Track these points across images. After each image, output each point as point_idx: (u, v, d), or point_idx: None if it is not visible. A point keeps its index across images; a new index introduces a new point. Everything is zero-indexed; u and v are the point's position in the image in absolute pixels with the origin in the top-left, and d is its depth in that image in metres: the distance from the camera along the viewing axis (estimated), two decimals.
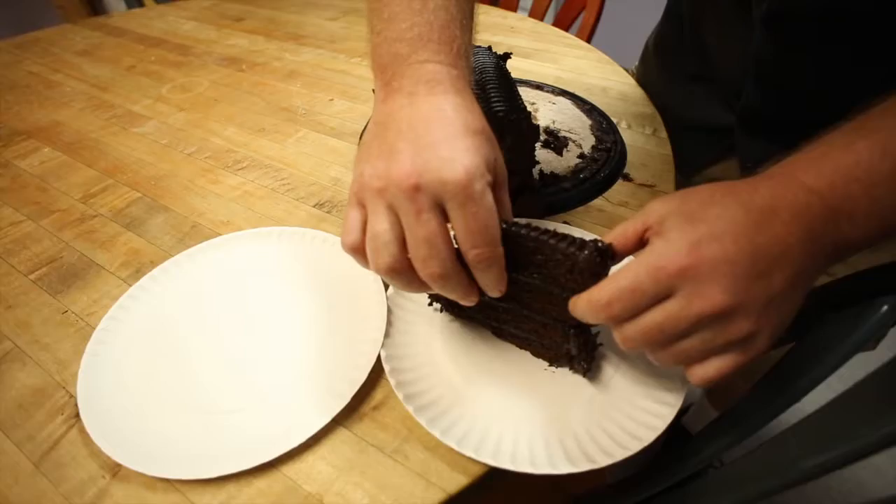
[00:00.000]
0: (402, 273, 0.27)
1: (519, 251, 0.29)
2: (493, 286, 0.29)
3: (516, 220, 0.30)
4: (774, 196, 0.25)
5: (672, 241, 0.25)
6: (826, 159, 0.26)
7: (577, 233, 0.41)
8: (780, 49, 0.41)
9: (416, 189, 0.25)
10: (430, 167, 0.26)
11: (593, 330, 0.33)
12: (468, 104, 0.29)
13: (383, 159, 0.27)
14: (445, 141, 0.26)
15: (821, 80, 0.41)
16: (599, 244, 0.28)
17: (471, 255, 0.27)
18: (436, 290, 0.28)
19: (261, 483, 0.30)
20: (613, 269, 0.28)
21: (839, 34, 0.38)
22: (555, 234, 0.29)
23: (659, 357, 0.27)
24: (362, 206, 0.28)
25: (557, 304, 0.30)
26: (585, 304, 0.27)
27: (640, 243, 0.28)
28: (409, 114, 0.28)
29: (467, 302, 0.29)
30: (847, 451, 0.22)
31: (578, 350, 0.32)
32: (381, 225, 0.27)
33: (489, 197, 0.26)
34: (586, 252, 0.27)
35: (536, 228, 0.29)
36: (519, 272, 0.30)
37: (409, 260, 0.27)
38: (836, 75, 0.40)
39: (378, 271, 0.28)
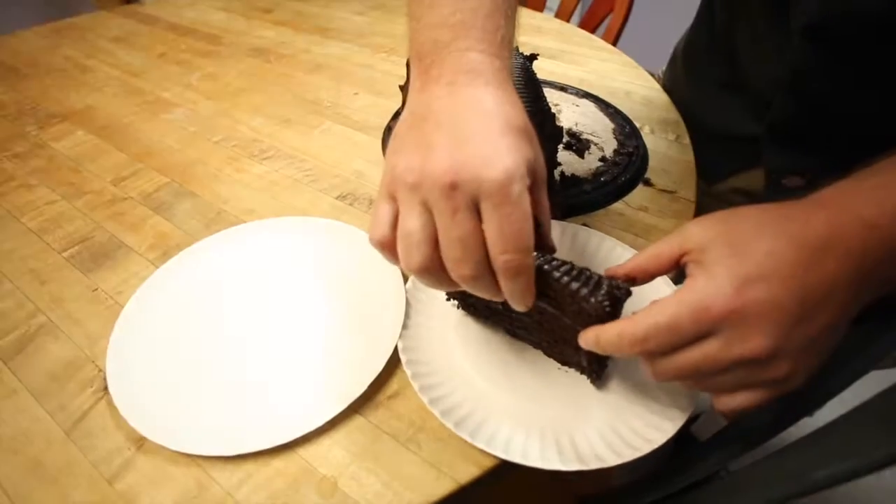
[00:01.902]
0: (434, 273, 0.26)
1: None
2: (519, 297, 0.27)
3: (534, 253, 0.29)
4: (829, 230, 0.24)
5: (717, 278, 0.24)
6: (889, 190, 0.24)
7: (603, 243, 0.41)
8: (818, 60, 0.40)
9: (453, 187, 0.24)
10: (469, 165, 0.24)
11: None
12: (510, 98, 0.27)
13: (419, 153, 0.25)
14: (485, 138, 0.25)
15: (859, 93, 0.40)
16: (616, 290, 0.26)
17: (500, 260, 0.25)
18: (465, 289, 0.27)
19: (278, 463, 0.31)
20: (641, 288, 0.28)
21: (881, 46, 0.37)
22: (569, 270, 0.28)
23: (688, 385, 0.27)
24: (394, 199, 0.27)
25: (568, 330, 0.30)
26: (615, 338, 0.26)
27: (674, 266, 0.27)
28: (448, 106, 0.26)
29: (496, 299, 0.28)
30: (860, 464, 0.22)
31: (589, 363, 0.32)
32: (413, 223, 0.25)
33: (526, 201, 0.25)
34: (596, 299, 0.26)
35: (551, 261, 0.28)
36: None
37: (440, 259, 0.26)
38: (876, 88, 0.40)
39: (408, 270, 0.26)
